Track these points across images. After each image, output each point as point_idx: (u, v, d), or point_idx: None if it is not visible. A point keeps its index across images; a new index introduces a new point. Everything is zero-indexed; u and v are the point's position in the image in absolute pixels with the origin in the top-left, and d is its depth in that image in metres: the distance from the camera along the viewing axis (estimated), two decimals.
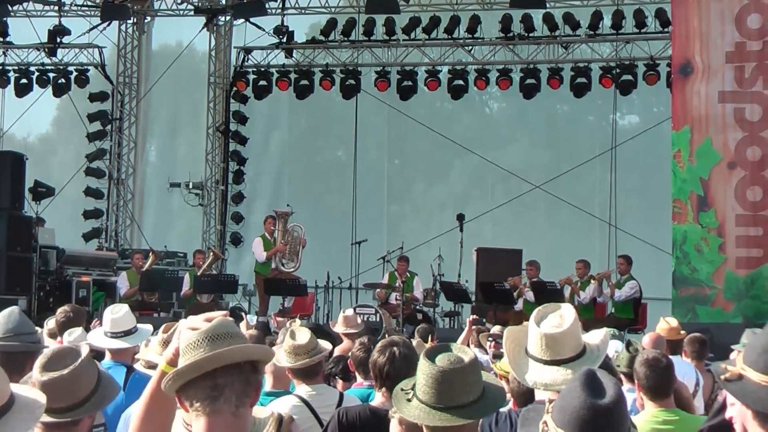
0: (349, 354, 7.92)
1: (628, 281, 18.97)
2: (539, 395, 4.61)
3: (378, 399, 6.05)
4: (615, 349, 8.57)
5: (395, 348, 5.92)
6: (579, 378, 3.13)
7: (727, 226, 17.15)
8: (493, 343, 10.50)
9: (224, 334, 3.35)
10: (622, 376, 7.79)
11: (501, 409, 5.11)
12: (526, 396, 5.65)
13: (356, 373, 7.58)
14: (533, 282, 19.29)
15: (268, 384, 7.06)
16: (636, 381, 6.57)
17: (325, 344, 7.20)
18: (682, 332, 10.65)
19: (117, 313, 7.56)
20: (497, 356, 9.42)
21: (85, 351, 4.27)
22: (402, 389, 4.00)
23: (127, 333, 7.49)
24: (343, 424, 5.95)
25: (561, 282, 19.13)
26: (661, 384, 6.48)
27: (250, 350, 3.40)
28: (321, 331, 8.33)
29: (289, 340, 6.86)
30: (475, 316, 11.47)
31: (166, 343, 6.30)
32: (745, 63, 17.23)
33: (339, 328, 11.59)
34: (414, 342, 7.39)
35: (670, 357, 9.85)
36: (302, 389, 6.78)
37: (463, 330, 12.86)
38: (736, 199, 17.12)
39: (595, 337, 4.78)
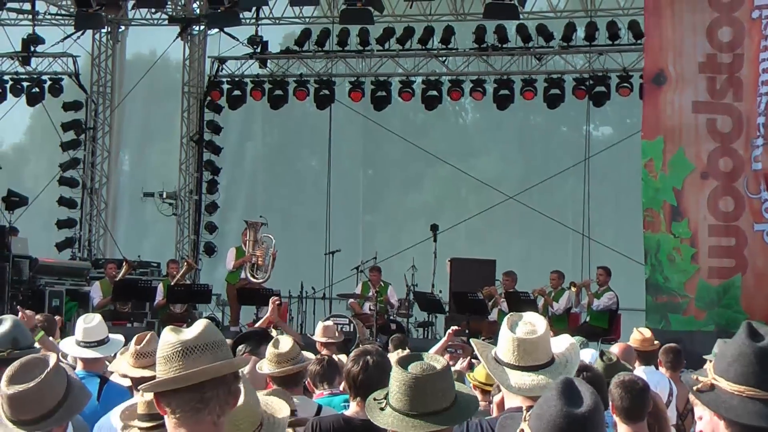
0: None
1: (606, 292, 19.10)
2: (512, 402, 4.63)
3: (352, 408, 6.01)
4: (588, 358, 8.57)
5: (368, 357, 5.92)
6: (556, 386, 3.16)
7: (699, 236, 17.22)
8: (450, 354, 10.49)
9: (211, 344, 3.37)
10: None
11: (472, 419, 5.13)
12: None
13: (314, 386, 7.54)
14: (507, 292, 19.35)
15: None
16: (610, 402, 6.56)
17: (309, 355, 7.22)
18: (656, 342, 10.70)
19: (90, 323, 7.50)
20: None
21: (53, 360, 4.24)
22: (375, 399, 4.02)
23: (100, 343, 7.44)
24: None
25: (534, 293, 19.22)
26: (635, 406, 6.47)
27: (237, 363, 3.43)
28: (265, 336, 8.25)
29: (271, 348, 6.87)
30: (456, 327, 11.31)
31: (139, 355, 6.25)
32: (716, 74, 17.31)
33: (317, 337, 11.63)
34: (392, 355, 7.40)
35: (643, 367, 9.99)
36: None
37: (439, 340, 12.83)
38: (708, 210, 17.20)
39: (560, 344, 4.80)
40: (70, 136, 26.71)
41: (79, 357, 7.45)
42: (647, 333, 10.69)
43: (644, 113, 18.26)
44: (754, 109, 16.98)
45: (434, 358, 3.97)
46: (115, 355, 7.36)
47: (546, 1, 24.47)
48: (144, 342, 6.26)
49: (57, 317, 10.91)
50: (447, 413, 3.88)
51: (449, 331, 10.45)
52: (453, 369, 8.78)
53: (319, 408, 6.81)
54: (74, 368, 7.43)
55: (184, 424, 3.32)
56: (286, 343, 6.94)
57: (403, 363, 3.93)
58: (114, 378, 7.38)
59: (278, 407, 3.94)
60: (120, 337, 7.71)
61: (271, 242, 20.29)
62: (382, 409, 3.93)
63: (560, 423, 3.07)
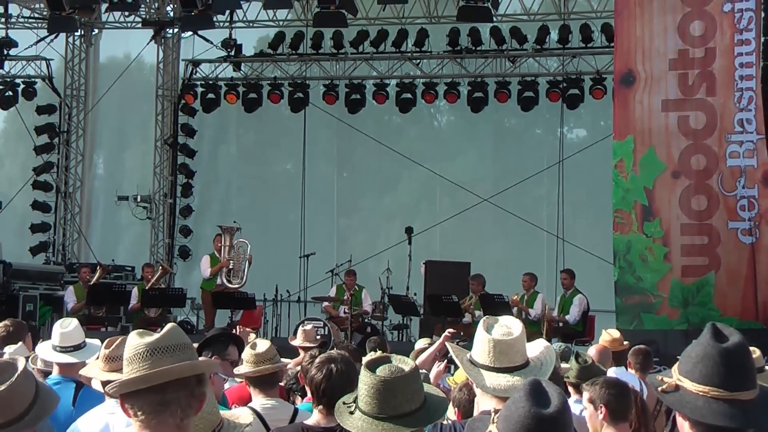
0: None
1: (574, 296, 19.08)
2: (486, 405, 4.65)
3: (315, 417, 5.72)
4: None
5: (332, 365, 5.78)
6: (524, 388, 3.18)
7: (672, 235, 17.14)
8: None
9: (174, 346, 3.39)
10: (570, 387, 7.87)
11: (445, 421, 5.15)
12: (467, 407, 5.70)
13: (306, 387, 7.52)
14: (481, 295, 19.31)
15: None
16: (601, 404, 6.61)
17: (285, 360, 7.26)
18: (625, 343, 10.78)
19: (66, 327, 7.42)
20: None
21: (21, 364, 4.20)
22: (344, 403, 4.03)
23: (77, 348, 7.38)
24: None
25: (511, 303, 19.02)
26: (621, 406, 6.57)
27: (198, 366, 3.44)
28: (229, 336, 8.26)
29: (249, 350, 6.95)
30: (452, 330, 10.75)
31: (109, 359, 6.24)
32: (688, 70, 17.24)
33: (297, 341, 11.63)
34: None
35: (614, 368, 10.06)
36: (258, 402, 6.76)
37: (413, 343, 12.73)
38: (680, 209, 17.10)
39: (535, 348, 4.83)
40: (43, 140, 26.61)
41: (55, 362, 7.41)
42: (616, 334, 10.77)
43: (615, 113, 18.22)
44: (730, 104, 16.90)
45: (403, 360, 3.98)
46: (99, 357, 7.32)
47: (519, 4, 24.51)
48: (114, 346, 6.23)
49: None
50: (417, 415, 3.89)
51: (445, 333, 10.02)
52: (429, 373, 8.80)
53: (295, 411, 6.76)
54: (49, 373, 7.40)
55: (147, 426, 3.35)
56: (263, 344, 7.03)
57: (372, 366, 3.93)
58: (94, 384, 7.35)
59: (241, 415, 3.97)
60: (97, 342, 7.61)
61: (246, 247, 20.30)
62: (351, 413, 3.94)
63: (528, 424, 3.09)
